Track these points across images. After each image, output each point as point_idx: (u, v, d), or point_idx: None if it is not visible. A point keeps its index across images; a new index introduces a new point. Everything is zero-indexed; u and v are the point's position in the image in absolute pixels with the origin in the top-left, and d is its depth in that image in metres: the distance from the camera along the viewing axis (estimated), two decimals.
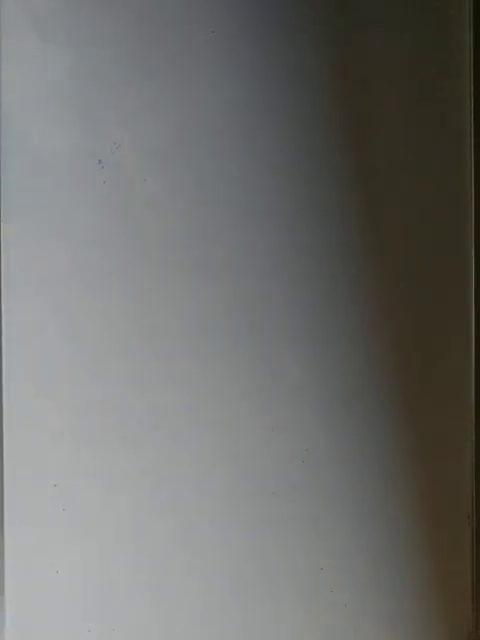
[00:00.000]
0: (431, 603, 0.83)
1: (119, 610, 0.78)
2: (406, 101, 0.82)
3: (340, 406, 0.81)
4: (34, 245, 0.76)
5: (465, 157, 0.84)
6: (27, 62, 0.76)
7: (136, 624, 0.78)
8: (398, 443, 0.82)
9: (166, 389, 0.78)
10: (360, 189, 0.81)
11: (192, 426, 0.78)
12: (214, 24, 0.78)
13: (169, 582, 0.78)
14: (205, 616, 0.79)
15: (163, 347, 0.78)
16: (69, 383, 0.77)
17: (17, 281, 0.76)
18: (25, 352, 0.76)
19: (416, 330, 0.83)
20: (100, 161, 0.77)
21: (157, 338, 0.78)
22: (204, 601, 0.79)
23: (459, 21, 0.84)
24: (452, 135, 0.84)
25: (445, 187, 0.83)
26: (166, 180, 0.78)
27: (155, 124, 0.78)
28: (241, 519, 0.79)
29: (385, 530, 0.82)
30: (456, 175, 0.84)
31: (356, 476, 0.81)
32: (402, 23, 0.82)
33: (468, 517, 0.84)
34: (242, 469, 0.79)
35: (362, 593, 0.82)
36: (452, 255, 0.84)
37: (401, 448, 0.82)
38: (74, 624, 0.77)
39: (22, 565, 0.76)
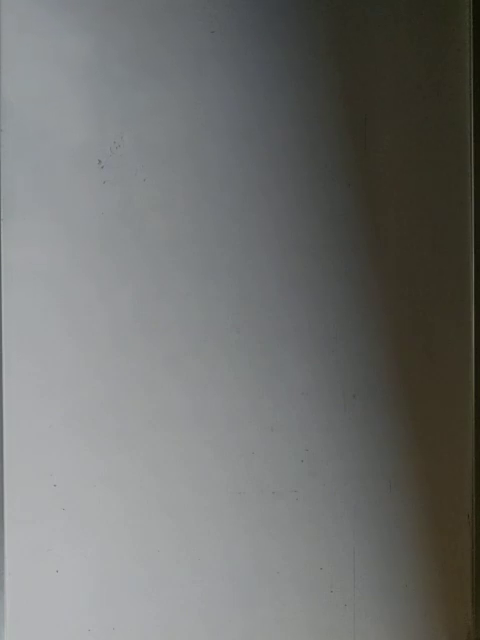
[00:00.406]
0: (431, 603, 0.83)
1: (119, 610, 0.78)
2: (406, 101, 0.82)
3: (340, 406, 0.81)
4: (34, 245, 0.77)
5: (465, 157, 0.84)
6: (27, 62, 0.76)
7: (136, 624, 0.78)
8: (398, 443, 0.82)
9: (166, 389, 0.78)
10: (361, 189, 0.81)
11: (192, 426, 0.78)
12: (214, 24, 0.79)
13: (169, 582, 0.78)
14: (205, 616, 0.79)
15: (163, 347, 0.78)
16: (69, 383, 0.77)
17: (17, 281, 0.76)
18: (25, 352, 0.76)
19: (416, 330, 0.83)
20: (100, 161, 0.77)
21: (157, 338, 0.78)
22: (204, 601, 0.79)
23: (459, 21, 0.84)
24: (452, 135, 0.84)
25: (445, 187, 0.83)
26: (166, 180, 0.78)
27: (155, 124, 0.78)
28: (241, 519, 0.79)
29: (385, 530, 0.82)
30: (456, 175, 0.84)
31: (356, 476, 0.81)
32: (402, 23, 0.82)
33: (468, 517, 0.84)
34: (242, 469, 0.79)
35: (362, 593, 0.82)
36: (452, 255, 0.84)
37: (401, 448, 0.82)
38: (74, 624, 0.77)
39: (22, 565, 0.76)
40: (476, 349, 0.84)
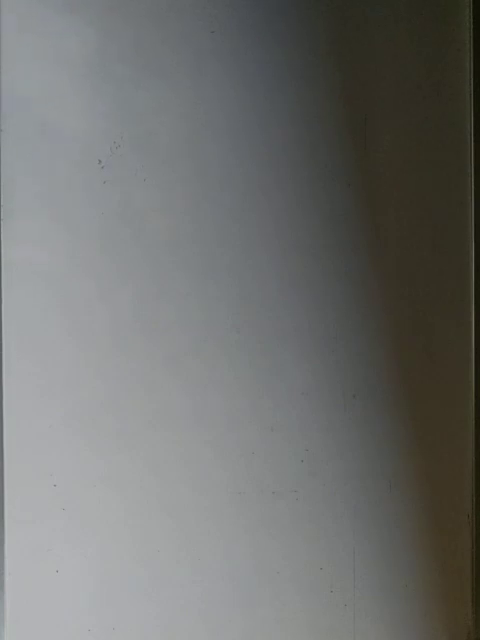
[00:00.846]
0: (431, 603, 0.83)
1: (119, 610, 0.78)
2: (406, 101, 0.82)
3: (340, 406, 0.81)
4: (34, 245, 0.76)
5: (465, 157, 0.84)
6: (27, 62, 0.76)
7: (136, 624, 0.78)
8: (398, 443, 0.82)
9: (166, 389, 0.78)
10: (361, 189, 0.81)
11: (192, 426, 0.78)
12: (214, 24, 0.79)
13: (169, 582, 0.78)
14: (205, 616, 0.79)
15: (163, 347, 0.78)
16: (69, 383, 0.77)
17: (17, 281, 0.76)
18: (25, 352, 0.76)
19: (416, 330, 0.83)
20: (100, 161, 0.77)
21: (157, 338, 0.78)
22: (204, 601, 0.79)
23: (459, 21, 0.84)
24: (452, 135, 0.84)
25: (445, 187, 0.83)
26: (166, 180, 0.78)
27: (155, 124, 0.78)
28: (241, 519, 0.79)
29: (385, 530, 0.82)
30: (456, 175, 0.84)
31: (356, 476, 0.81)
32: (402, 23, 0.82)
33: (468, 517, 0.84)
34: (242, 469, 0.79)
35: (362, 593, 0.82)
36: (452, 255, 0.84)
37: (401, 448, 0.82)
38: (74, 624, 0.77)
39: (22, 565, 0.76)
40: (476, 349, 0.84)
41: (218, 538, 0.79)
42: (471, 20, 0.84)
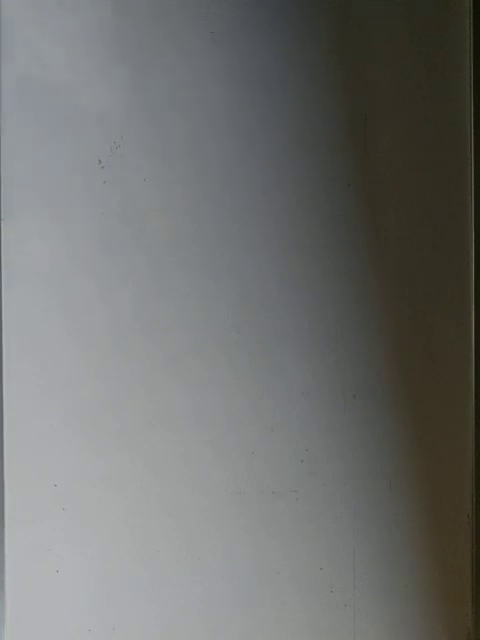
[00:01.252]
0: (431, 603, 0.83)
1: (119, 610, 0.78)
2: (406, 101, 0.82)
3: (340, 406, 0.81)
4: (34, 245, 0.77)
5: (465, 157, 0.84)
6: (27, 61, 0.76)
7: (136, 624, 0.78)
8: (398, 443, 0.82)
9: (166, 389, 0.78)
10: (361, 189, 0.81)
11: (192, 426, 0.78)
12: (215, 24, 0.79)
13: (169, 582, 0.78)
14: (205, 616, 0.79)
15: (163, 347, 0.78)
16: (69, 383, 0.77)
17: (17, 281, 0.76)
18: (25, 352, 0.76)
19: (416, 330, 0.83)
20: (100, 161, 0.77)
21: (157, 338, 0.78)
22: (204, 601, 0.79)
23: (459, 21, 0.84)
24: (452, 135, 0.84)
25: (445, 187, 0.83)
26: (166, 180, 0.78)
27: (155, 124, 0.78)
28: (241, 519, 0.79)
29: (385, 530, 0.82)
30: (456, 175, 0.84)
31: (356, 476, 0.81)
32: (402, 23, 0.82)
33: (468, 517, 0.84)
34: (242, 469, 0.79)
35: (362, 593, 0.82)
36: (452, 255, 0.84)
37: (401, 448, 0.82)
38: (74, 624, 0.77)
39: (22, 565, 0.76)
40: (476, 349, 0.84)
41: (218, 538, 0.79)
42: (471, 20, 0.84)
